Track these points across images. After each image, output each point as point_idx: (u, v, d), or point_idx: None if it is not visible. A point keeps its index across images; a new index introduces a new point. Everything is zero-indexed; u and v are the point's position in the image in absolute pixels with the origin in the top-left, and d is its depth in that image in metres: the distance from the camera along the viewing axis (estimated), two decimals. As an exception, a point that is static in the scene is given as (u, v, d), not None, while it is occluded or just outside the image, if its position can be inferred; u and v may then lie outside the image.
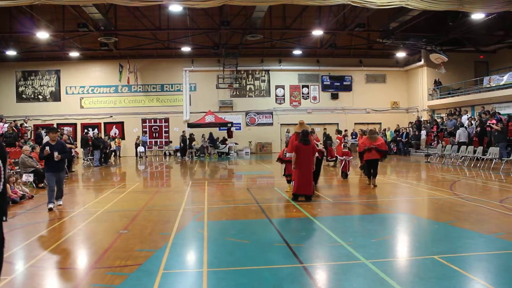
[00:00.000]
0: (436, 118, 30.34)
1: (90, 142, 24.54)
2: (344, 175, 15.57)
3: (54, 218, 9.22)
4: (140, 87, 32.82)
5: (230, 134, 31.06)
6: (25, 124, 26.33)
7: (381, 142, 13.75)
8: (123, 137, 32.34)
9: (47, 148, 10.16)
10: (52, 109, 32.09)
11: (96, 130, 30.01)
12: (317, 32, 27.72)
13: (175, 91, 33.21)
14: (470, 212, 9.01)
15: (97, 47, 29.12)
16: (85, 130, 31.31)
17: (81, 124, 32.18)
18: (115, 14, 27.24)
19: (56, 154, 10.12)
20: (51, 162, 10.21)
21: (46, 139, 18.08)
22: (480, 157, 19.34)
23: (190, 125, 30.72)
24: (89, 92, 32.63)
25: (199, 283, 5.18)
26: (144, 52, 32.00)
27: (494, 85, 25.77)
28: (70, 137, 21.57)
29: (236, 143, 32.25)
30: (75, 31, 26.25)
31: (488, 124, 21.87)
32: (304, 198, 10.79)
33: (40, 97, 32.40)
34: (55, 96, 32.52)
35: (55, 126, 11.30)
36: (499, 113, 23.79)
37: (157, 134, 33.36)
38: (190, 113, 32.65)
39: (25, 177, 13.76)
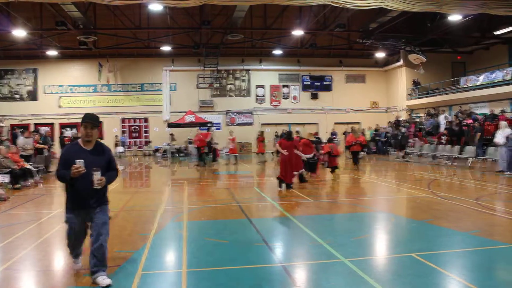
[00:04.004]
0: (414, 117, 30.72)
1: (67, 142, 24.21)
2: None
3: (30, 220, 9.07)
4: (119, 87, 32.51)
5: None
6: (1, 124, 25.87)
7: (363, 139, 19.43)
8: (101, 137, 31.97)
9: (80, 162, 4.96)
10: (29, 108, 31.54)
11: (74, 130, 29.61)
12: (298, 32, 27.80)
13: (155, 91, 32.98)
14: (447, 210, 9.15)
15: (76, 46, 28.73)
16: (62, 130, 30.88)
17: (59, 124, 31.67)
18: (94, 13, 26.93)
19: (96, 176, 5.01)
20: (83, 188, 5.09)
21: (21, 140, 17.49)
22: (457, 156, 19.68)
23: (170, 125, 30.55)
24: (67, 92, 32.18)
25: (179, 284, 5.15)
26: (124, 51, 31.70)
27: (470, 85, 26.20)
28: (48, 137, 21.22)
29: (216, 143, 32.11)
30: (53, 29, 25.85)
31: (465, 123, 22.25)
32: (286, 186, 12.61)
33: (17, 96, 31.81)
34: (33, 96, 31.99)
35: (91, 113, 5.37)
36: (475, 113, 24.25)
37: (136, 134, 33.10)
38: (170, 112, 32.44)
39: (0, 178, 13.50)
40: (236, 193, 12.45)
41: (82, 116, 5.29)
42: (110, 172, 5.33)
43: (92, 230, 5.25)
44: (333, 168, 15.58)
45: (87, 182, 5.02)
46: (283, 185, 12.72)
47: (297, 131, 16.65)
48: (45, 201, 11.84)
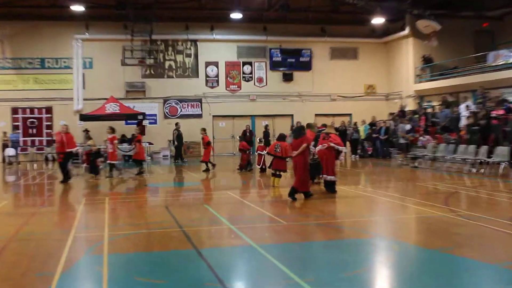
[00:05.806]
0: (425, 107, 31.16)
1: None
2: None
3: None
4: (9, 62, 31.95)
5: (141, 130, 30.70)
6: None
7: None
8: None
9: None
10: None
11: None
12: (264, -12, 27.92)
13: (62, 68, 32.56)
14: (471, 235, 9.31)
15: None
16: None
17: None
18: (-29, -44, 26.35)
19: None
20: None
21: None
22: (485, 160, 19.95)
23: (84, 117, 30.00)
24: None
25: None
26: (17, 11, 31.13)
27: (501, 62, 26.62)
28: None
29: (150, 143, 31.76)
30: None
31: (494, 115, 22.63)
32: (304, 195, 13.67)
33: None
34: None
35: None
36: (508, 101, 24.53)
37: (35, 131, 32.53)
38: (84, 100, 31.96)
39: None
40: (178, 213, 12.33)
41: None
42: None
43: None
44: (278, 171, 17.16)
45: None
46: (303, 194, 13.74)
47: (336, 128, 17.23)
48: None
